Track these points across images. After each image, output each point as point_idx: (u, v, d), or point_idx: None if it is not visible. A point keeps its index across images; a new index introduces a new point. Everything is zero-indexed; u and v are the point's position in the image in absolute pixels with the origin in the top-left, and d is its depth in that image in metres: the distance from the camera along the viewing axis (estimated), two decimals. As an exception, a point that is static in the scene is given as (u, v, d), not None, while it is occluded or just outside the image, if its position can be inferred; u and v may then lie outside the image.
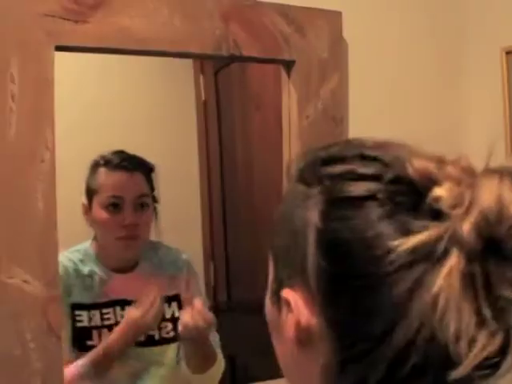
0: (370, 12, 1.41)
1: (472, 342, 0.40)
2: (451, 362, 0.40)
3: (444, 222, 0.41)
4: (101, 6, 1.06)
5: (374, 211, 0.44)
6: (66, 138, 1.22)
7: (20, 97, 1.00)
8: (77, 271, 1.27)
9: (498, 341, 0.40)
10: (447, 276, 0.40)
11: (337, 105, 1.31)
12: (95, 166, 1.31)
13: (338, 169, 0.47)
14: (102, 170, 1.31)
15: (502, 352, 0.40)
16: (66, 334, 1.22)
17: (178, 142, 1.59)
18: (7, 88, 0.99)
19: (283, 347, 0.51)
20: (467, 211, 0.40)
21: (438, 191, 0.41)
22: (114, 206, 1.29)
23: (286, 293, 0.48)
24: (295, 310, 0.47)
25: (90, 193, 1.30)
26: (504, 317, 0.40)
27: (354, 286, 0.44)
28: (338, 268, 0.45)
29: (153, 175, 1.37)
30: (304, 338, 0.47)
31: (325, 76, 1.29)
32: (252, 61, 1.29)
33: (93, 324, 1.26)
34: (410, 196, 0.43)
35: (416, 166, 0.43)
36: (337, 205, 0.46)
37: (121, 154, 1.33)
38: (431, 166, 0.43)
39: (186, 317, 1.28)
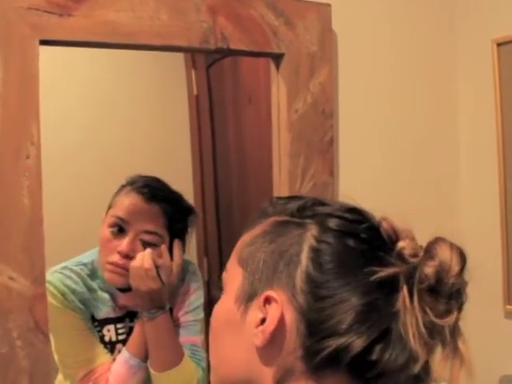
0: (359, 4, 1.40)
1: (421, 347, 0.55)
2: (412, 358, 0.55)
3: (404, 264, 0.57)
4: (86, -1, 1.04)
5: (357, 245, 0.59)
6: (54, 133, 1.21)
7: (4, 92, 0.99)
8: (86, 286, 1.23)
9: (426, 354, 0.55)
10: (403, 300, 0.56)
11: (326, 98, 1.30)
12: (125, 183, 1.26)
13: (330, 209, 0.62)
14: (124, 189, 1.25)
15: (426, 362, 0.56)
16: (96, 342, 1.22)
17: (171, 136, 1.59)
18: (-9, 83, 0.98)
19: (239, 347, 0.61)
20: (428, 259, 0.57)
21: (403, 243, 0.58)
22: (119, 228, 1.22)
23: (270, 293, 0.59)
24: (281, 305, 0.58)
25: (108, 207, 1.26)
26: (433, 336, 0.56)
27: (335, 291, 0.57)
28: (323, 278, 0.57)
29: (189, 218, 1.30)
30: (279, 330, 0.57)
31: (314, 69, 1.28)
32: (240, 54, 1.28)
33: (107, 339, 1.25)
34: (382, 241, 0.60)
35: (387, 222, 0.61)
36: (329, 234, 0.60)
37: (149, 179, 1.26)
38: (397, 225, 0.61)
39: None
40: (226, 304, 0.64)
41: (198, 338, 1.29)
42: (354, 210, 0.63)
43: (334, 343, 0.55)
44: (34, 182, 1.01)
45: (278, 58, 1.26)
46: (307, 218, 0.62)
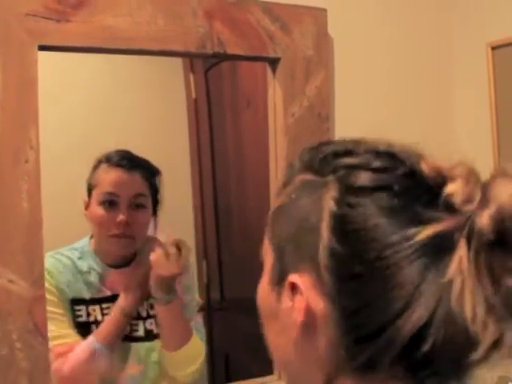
0: (355, 9, 1.41)
1: (484, 325, 0.42)
2: (470, 343, 0.42)
3: (456, 215, 0.44)
4: (83, 5, 1.06)
5: (388, 201, 0.46)
6: (52, 137, 1.22)
7: (3, 97, 1.00)
8: (75, 268, 1.28)
9: (501, 328, 0.42)
10: (459, 263, 0.42)
11: (322, 102, 1.31)
12: (98, 162, 1.32)
13: (353, 160, 0.49)
14: (102, 167, 1.32)
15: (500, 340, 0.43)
16: (66, 325, 1.24)
17: (170, 140, 1.59)
18: (-10, 89, 0.99)
19: (281, 336, 0.52)
20: (482, 206, 0.43)
21: (452, 187, 0.45)
22: (110, 203, 1.29)
23: (293, 278, 0.48)
24: (305, 294, 0.47)
25: (90, 188, 1.31)
26: (508, 304, 0.43)
27: (367, 268, 0.45)
28: (351, 252, 0.45)
29: (156, 179, 1.37)
30: (311, 322, 0.48)
31: (310, 73, 1.29)
32: (237, 59, 1.29)
33: (92, 319, 1.28)
34: (422, 190, 0.46)
35: (429, 164, 0.47)
36: (352, 193, 0.47)
37: (123, 153, 1.33)
38: (442, 165, 0.47)
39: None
40: (263, 286, 0.55)
41: (198, 315, 1.39)
42: (383, 154, 0.50)
43: (378, 333, 0.44)
44: (33, 185, 1.02)
45: (274, 63, 1.27)
46: (328, 174, 0.49)
